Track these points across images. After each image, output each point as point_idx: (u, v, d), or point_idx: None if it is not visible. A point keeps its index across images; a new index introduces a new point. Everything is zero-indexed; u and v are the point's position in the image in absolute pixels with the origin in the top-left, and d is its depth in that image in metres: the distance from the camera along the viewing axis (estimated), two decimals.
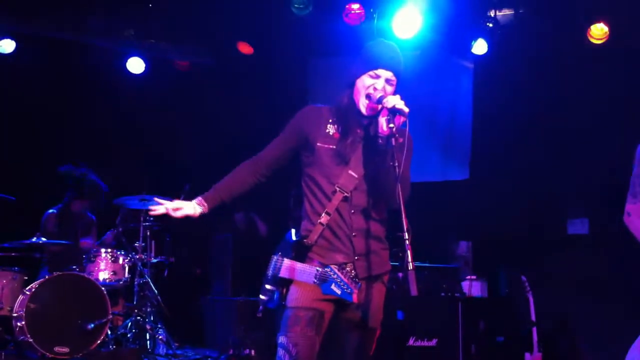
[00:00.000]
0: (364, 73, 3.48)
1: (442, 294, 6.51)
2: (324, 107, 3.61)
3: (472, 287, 7.40)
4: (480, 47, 7.73)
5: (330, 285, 3.32)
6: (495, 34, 7.71)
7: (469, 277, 7.51)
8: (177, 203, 3.51)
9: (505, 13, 7.77)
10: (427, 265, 6.63)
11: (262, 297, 3.56)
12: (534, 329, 6.01)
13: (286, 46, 8.27)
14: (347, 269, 3.39)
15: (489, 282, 7.56)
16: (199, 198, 3.54)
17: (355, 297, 3.32)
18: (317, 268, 3.36)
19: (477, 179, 8.22)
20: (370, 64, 3.47)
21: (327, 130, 3.51)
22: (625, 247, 4.10)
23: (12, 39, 8.00)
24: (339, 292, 3.31)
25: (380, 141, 3.39)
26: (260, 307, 3.63)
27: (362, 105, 3.47)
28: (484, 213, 7.71)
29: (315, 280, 3.34)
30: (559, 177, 7.62)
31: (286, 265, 3.42)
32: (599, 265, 6.95)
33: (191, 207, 3.51)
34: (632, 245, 3.94)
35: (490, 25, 7.72)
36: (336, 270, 3.32)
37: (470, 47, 7.76)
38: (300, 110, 3.60)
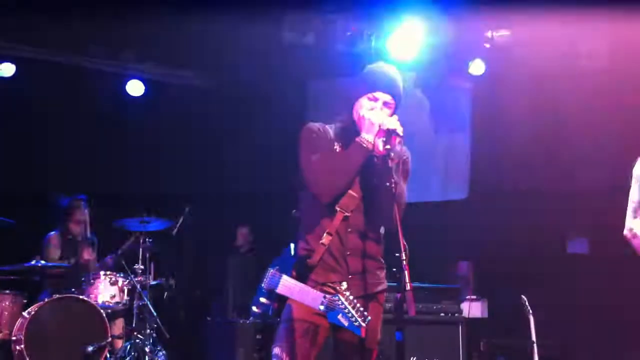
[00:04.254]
0: (362, 95, 3.51)
1: (442, 315, 6.50)
2: (327, 126, 3.61)
3: (472, 307, 7.39)
4: (477, 67, 7.80)
5: (337, 314, 3.28)
6: (493, 55, 7.76)
7: (469, 297, 7.50)
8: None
9: (502, 34, 7.82)
10: (426, 285, 6.61)
11: (254, 309, 3.56)
12: (535, 349, 5.98)
13: (285, 68, 8.31)
14: (343, 288, 3.39)
15: (489, 302, 7.55)
16: None
17: (363, 332, 3.24)
18: (325, 295, 3.33)
19: (476, 198, 8.22)
20: (369, 87, 3.50)
21: (335, 147, 3.53)
22: (625, 266, 4.11)
23: (12, 62, 8.05)
24: (346, 323, 3.26)
25: (376, 161, 3.41)
26: (251, 317, 3.63)
27: (361, 125, 3.47)
28: (483, 233, 7.70)
29: (322, 308, 3.32)
30: (558, 196, 7.62)
31: (286, 283, 3.41)
32: (599, 285, 6.95)
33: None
34: (631, 265, 3.95)
35: (487, 46, 7.78)
36: (344, 300, 3.27)
37: (467, 67, 7.81)
38: (308, 126, 3.56)
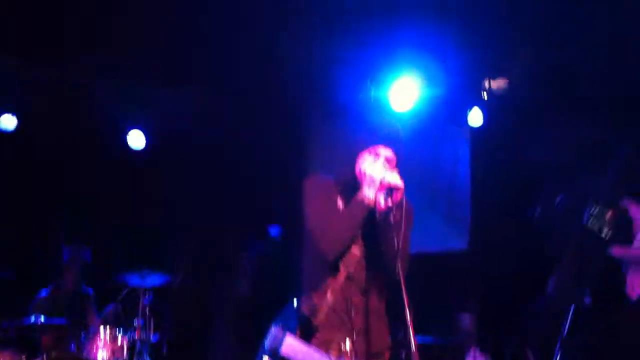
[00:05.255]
0: (364, 149, 3.51)
1: None
2: (329, 179, 3.61)
3: None
4: (475, 117, 7.83)
5: None
6: (491, 103, 7.81)
7: (472, 350, 7.40)
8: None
9: (499, 82, 7.89)
10: (429, 343, 6.54)
11: None
12: None
13: (285, 108, 8.33)
14: (347, 346, 3.35)
15: (492, 355, 7.44)
16: None
17: None
18: (330, 357, 3.28)
19: (477, 248, 8.19)
20: (370, 141, 3.51)
21: (339, 204, 3.52)
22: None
23: (13, 114, 8.08)
24: None
25: (378, 216, 3.39)
26: None
27: (362, 180, 3.46)
28: (486, 284, 7.65)
29: None
30: None
31: (290, 344, 3.34)
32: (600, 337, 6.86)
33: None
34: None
35: (485, 94, 7.83)
36: None
37: (466, 116, 7.86)
38: (311, 179, 3.58)
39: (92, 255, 7.53)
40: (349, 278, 3.44)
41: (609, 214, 4.39)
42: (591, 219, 4.37)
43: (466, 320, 7.84)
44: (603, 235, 4.35)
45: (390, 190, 3.33)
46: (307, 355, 3.32)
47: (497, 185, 8.06)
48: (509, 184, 7.95)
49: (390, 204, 3.31)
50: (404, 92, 7.41)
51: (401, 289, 3.14)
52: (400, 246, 3.24)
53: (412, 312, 3.09)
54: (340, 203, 3.52)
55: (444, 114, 8.16)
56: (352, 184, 3.51)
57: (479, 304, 7.83)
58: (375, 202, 3.39)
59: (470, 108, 7.82)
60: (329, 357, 3.29)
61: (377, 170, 3.42)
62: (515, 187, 7.91)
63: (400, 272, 3.16)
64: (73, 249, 7.44)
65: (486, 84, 7.83)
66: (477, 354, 7.42)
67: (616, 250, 4.88)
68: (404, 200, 3.44)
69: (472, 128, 8.21)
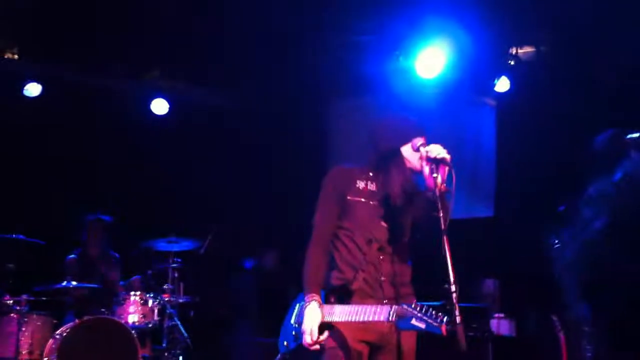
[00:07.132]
0: (408, 141, 3.60)
1: (471, 334, 6.48)
2: (353, 168, 3.70)
3: (500, 325, 7.36)
4: (502, 85, 7.79)
5: (410, 320, 3.11)
6: (517, 72, 7.77)
7: (496, 315, 7.47)
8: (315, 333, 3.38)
9: (526, 50, 7.84)
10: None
11: (286, 344, 3.57)
12: None
13: (308, 87, 8.32)
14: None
15: (517, 320, 7.50)
16: (315, 303, 3.43)
17: (444, 330, 3.08)
18: (391, 305, 3.22)
19: (502, 215, 8.20)
20: (413, 133, 3.61)
21: (357, 185, 3.61)
22: None
23: (38, 82, 8.09)
24: (422, 326, 3.08)
25: (430, 194, 3.43)
26: (279, 356, 3.65)
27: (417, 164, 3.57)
28: (510, 250, 7.68)
29: (392, 318, 3.18)
30: None
31: (339, 310, 3.38)
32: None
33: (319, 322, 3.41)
34: None
35: (512, 63, 7.79)
36: (413, 306, 3.13)
37: (492, 84, 7.83)
38: (329, 174, 3.69)
39: (118, 222, 7.54)
40: (380, 250, 3.52)
41: None
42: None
43: (490, 285, 7.91)
44: None
45: (437, 163, 3.37)
46: (362, 313, 3.30)
47: (522, 154, 8.04)
48: (534, 153, 7.93)
49: (437, 177, 3.35)
50: (432, 60, 7.38)
51: (447, 265, 3.21)
52: (446, 222, 3.30)
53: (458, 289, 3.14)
54: (361, 184, 3.60)
55: (470, 82, 8.12)
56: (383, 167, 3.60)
57: (503, 270, 7.89)
58: (424, 176, 3.44)
59: (498, 77, 7.78)
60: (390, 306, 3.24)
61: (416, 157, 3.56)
62: (540, 156, 7.89)
63: (447, 248, 3.23)
64: (93, 217, 7.43)
65: (513, 52, 7.77)
66: (501, 318, 7.49)
67: None
68: (453, 174, 3.45)
69: (498, 97, 8.18)
